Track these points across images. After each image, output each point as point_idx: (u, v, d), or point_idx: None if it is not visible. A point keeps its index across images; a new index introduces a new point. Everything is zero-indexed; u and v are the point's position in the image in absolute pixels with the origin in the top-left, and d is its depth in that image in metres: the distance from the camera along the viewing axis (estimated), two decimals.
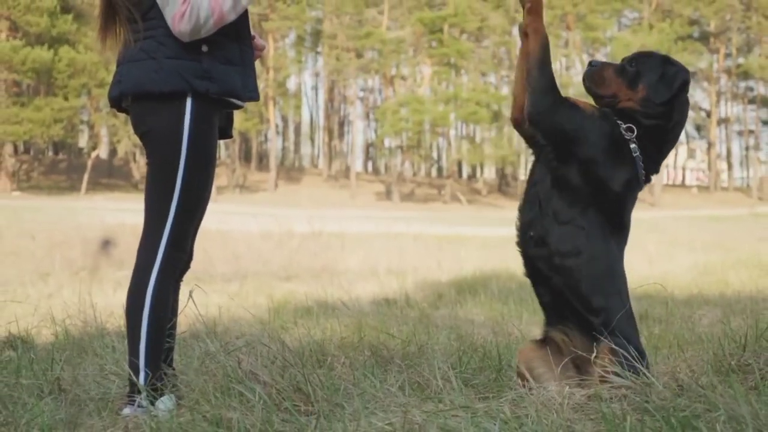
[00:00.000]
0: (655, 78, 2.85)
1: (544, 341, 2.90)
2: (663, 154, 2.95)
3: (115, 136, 50.34)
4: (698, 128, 61.97)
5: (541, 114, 2.81)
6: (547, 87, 2.83)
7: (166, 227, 2.85)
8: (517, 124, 2.93)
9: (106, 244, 13.70)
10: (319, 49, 62.60)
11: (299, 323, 5.57)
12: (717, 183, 61.45)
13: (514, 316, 6.35)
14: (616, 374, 2.58)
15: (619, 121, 2.87)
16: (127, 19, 2.90)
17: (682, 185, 66.32)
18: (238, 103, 2.96)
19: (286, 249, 14.67)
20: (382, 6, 56.26)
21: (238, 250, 14.27)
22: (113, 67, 3.02)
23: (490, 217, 36.08)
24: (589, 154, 2.80)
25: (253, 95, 2.97)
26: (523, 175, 56.31)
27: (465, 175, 65.69)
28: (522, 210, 2.88)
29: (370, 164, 69.48)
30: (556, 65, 61.38)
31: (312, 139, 73.23)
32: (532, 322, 5.62)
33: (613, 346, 2.64)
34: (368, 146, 67.66)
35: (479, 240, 19.53)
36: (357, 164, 60.18)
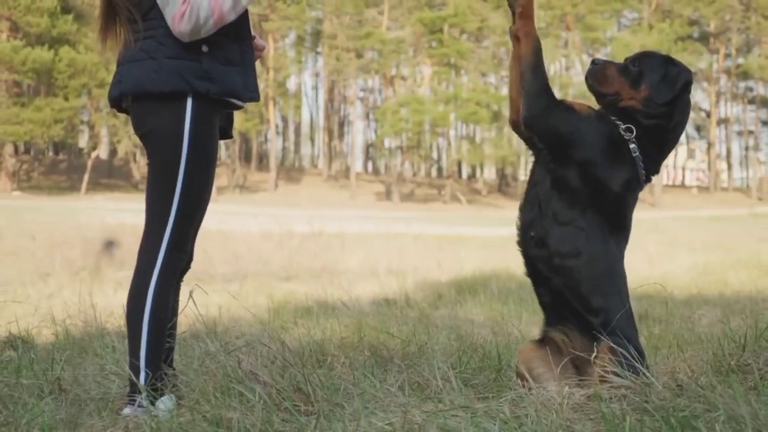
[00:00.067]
0: (658, 78, 2.85)
1: (544, 341, 2.90)
2: (663, 154, 2.95)
3: (115, 137, 50.34)
4: (698, 128, 61.97)
5: (536, 117, 2.81)
6: (541, 90, 2.83)
7: (167, 228, 2.85)
8: (516, 126, 2.93)
9: (110, 245, 13.69)
10: (319, 49, 62.60)
11: (299, 323, 5.57)
12: (717, 183, 61.45)
13: (513, 316, 6.35)
14: (616, 374, 2.58)
15: (618, 122, 2.87)
16: (128, 20, 2.90)
17: (682, 185, 66.33)
18: (239, 103, 2.96)
19: (286, 249, 14.67)
20: (382, 6, 56.26)
21: (239, 251, 14.27)
22: (113, 68, 3.02)
23: (490, 217, 36.09)
24: (586, 156, 2.80)
25: (254, 95, 2.98)
26: (523, 175, 56.31)
27: (465, 175, 65.69)
28: (522, 210, 2.89)
29: (370, 164, 69.49)
30: (556, 65, 61.42)
31: (312, 140, 73.24)
32: (531, 322, 5.62)
33: (613, 345, 2.65)
34: (368, 146, 67.67)
35: (479, 240, 19.53)
36: (357, 164, 60.24)
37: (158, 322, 2.83)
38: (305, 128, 72.60)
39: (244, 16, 2.93)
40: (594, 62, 2.99)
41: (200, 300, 3.24)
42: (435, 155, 65.53)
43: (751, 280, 9.82)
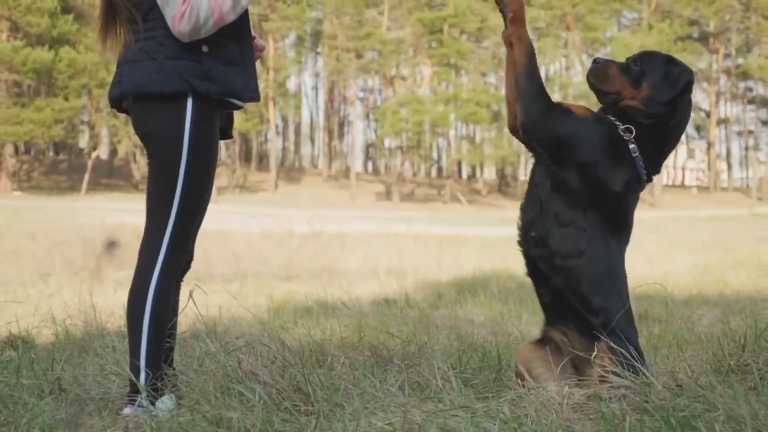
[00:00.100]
0: (659, 77, 2.85)
1: (543, 341, 2.90)
2: (664, 154, 2.95)
3: (115, 137, 50.37)
4: (698, 128, 61.98)
5: (534, 122, 2.82)
6: (537, 94, 2.84)
7: (168, 228, 2.85)
8: (514, 131, 2.93)
9: (112, 245, 13.68)
10: (319, 49, 62.62)
11: (299, 323, 5.57)
12: (716, 183, 61.46)
13: (513, 316, 6.35)
14: (615, 374, 2.58)
15: (617, 122, 2.87)
16: (128, 20, 2.90)
17: (682, 185, 66.33)
18: (239, 103, 2.97)
19: (286, 249, 14.66)
20: (382, 6, 56.27)
21: (239, 251, 14.27)
22: (113, 68, 3.02)
23: (490, 217, 36.09)
24: (586, 157, 2.81)
25: (254, 95, 2.98)
26: (523, 175, 56.33)
27: (465, 175, 65.70)
28: (523, 210, 2.89)
29: (370, 164, 69.50)
30: (556, 65, 61.44)
31: (312, 140, 73.25)
32: (531, 322, 5.62)
33: (612, 345, 2.65)
34: (368, 146, 67.68)
35: (479, 240, 19.53)
36: (357, 164, 60.25)
37: (159, 322, 2.83)
38: (305, 128, 72.64)
39: (244, 16, 2.94)
40: (596, 61, 2.99)
41: (200, 300, 3.24)
42: (435, 155, 65.54)
43: (750, 280, 9.82)
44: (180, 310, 3.06)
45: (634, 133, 2.85)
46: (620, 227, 2.86)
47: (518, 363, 2.88)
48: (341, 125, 66.41)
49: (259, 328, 4.46)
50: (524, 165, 55.18)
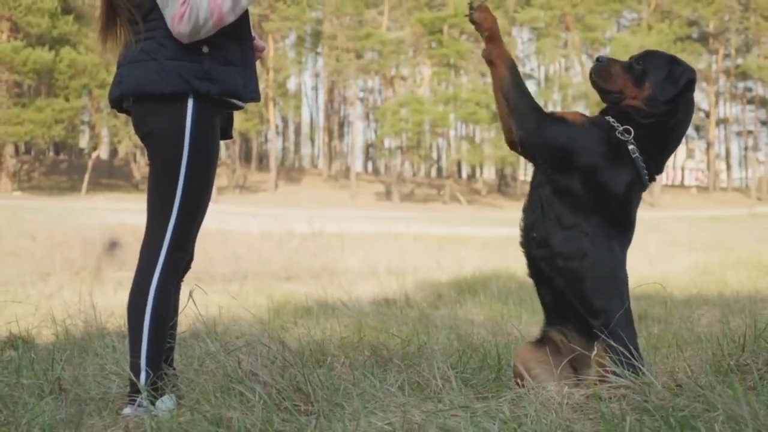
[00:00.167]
0: (662, 76, 2.86)
1: (542, 342, 2.91)
2: (666, 154, 2.95)
3: (115, 137, 50.38)
4: (697, 128, 61.98)
5: (531, 135, 2.83)
6: (529, 107, 2.85)
7: (169, 228, 2.85)
8: (513, 145, 2.93)
9: (113, 245, 13.66)
10: (319, 49, 62.63)
11: (299, 323, 5.57)
12: (716, 183, 61.47)
13: (513, 316, 6.35)
14: (615, 374, 2.59)
15: (615, 124, 2.87)
16: (128, 21, 2.91)
17: (681, 185, 66.35)
18: (239, 103, 2.97)
19: (286, 249, 14.66)
20: (382, 7, 56.28)
21: (239, 251, 14.26)
22: (114, 68, 3.03)
23: (489, 217, 36.09)
24: (586, 163, 2.81)
25: (254, 96, 2.98)
26: (522, 175, 56.34)
27: (465, 175, 65.72)
28: (525, 211, 2.89)
29: (370, 164, 69.51)
30: (556, 65, 61.45)
31: (312, 140, 73.27)
32: (531, 322, 5.63)
33: (612, 343, 2.66)
34: (368, 146, 67.69)
35: (479, 240, 19.53)
36: (357, 164, 60.27)
37: (159, 320, 2.84)
38: (305, 128, 72.65)
39: (244, 17, 2.94)
40: (598, 59, 2.99)
41: (200, 300, 3.25)
42: (435, 155, 65.55)
43: (750, 280, 9.82)
44: (180, 310, 3.07)
45: (633, 134, 2.85)
46: (623, 228, 2.87)
47: (517, 363, 2.89)
48: (341, 125, 66.43)
49: (259, 328, 4.46)
50: (524, 165, 55.11)
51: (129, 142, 47.95)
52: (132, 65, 2.87)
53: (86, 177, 48.37)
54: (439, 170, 66.36)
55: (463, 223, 29.72)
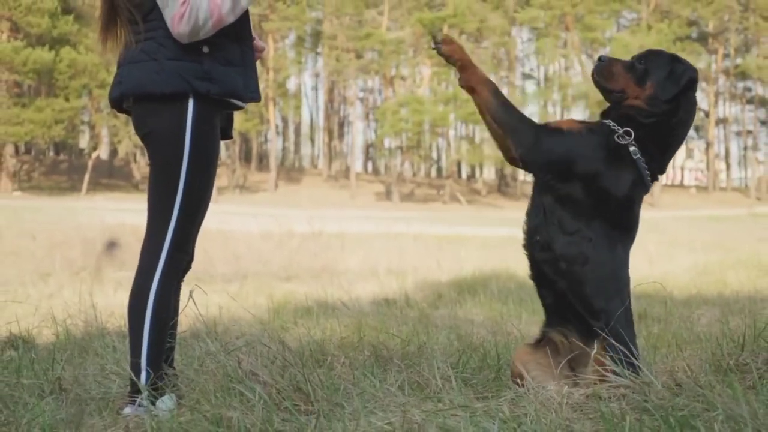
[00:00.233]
0: (663, 75, 2.86)
1: (540, 343, 2.92)
2: (669, 153, 2.95)
3: (115, 137, 50.38)
4: (697, 128, 61.96)
5: (530, 151, 2.83)
6: (523, 123, 2.86)
7: (169, 229, 2.86)
8: (513, 161, 2.93)
9: (112, 245, 13.66)
10: (319, 49, 62.63)
11: (299, 323, 5.57)
12: (715, 183, 61.47)
13: (513, 316, 6.35)
14: (615, 373, 2.59)
15: (615, 127, 2.87)
16: (128, 21, 2.91)
17: (681, 185, 66.35)
18: (239, 103, 2.97)
19: (286, 249, 14.66)
20: (381, 7, 56.27)
21: (239, 251, 14.26)
22: (114, 68, 3.03)
23: (489, 217, 36.10)
24: (586, 170, 2.81)
25: (255, 96, 2.98)
26: (522, 175, 56.26)
27: (464, 175, 65.72)
28: (528, 215, 2.90)
29: (370, 164, 69.51)
30: (555, 65, 61.44)
31: (312, 140, 73.26)
32: (531, 322, 5.63)
33: (612, 341, 2.66)
34: (368, 146, 67.68)
35: (479, 240, 19.53)
36: (357, 164, 60.28)
37: (160, 322, 2.84)
38: (305, 128, 72.66)
39: (244, 17, 2.94)
40: (600, 59, 3.00)
41: (200, 300, 3.25)
42: (435, 155, 65.56)
43: (750, 279, 9.82)
44: (180, 310, 3.07)
45: (633, 136, 2.86)
46: (626, 228, 2.87)
47: (516, 363, 2.89)
48: (341, 125, 66.42)
49: (259, 328, 4.46)
50: None
51: (129, 142, 47.96)
52: (132, 65, 2.87)
53: (86, 177, 48.37)
54: (439, 170, 66.36)
55: (463, 223, 29.72)
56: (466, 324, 5.79)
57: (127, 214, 18.05)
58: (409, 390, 2.82)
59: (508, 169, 59.06)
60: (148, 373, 2.79)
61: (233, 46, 2.91)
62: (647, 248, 14.05)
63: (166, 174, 2.86)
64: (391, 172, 56.07)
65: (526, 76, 66.31)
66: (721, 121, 64.14)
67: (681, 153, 66.58)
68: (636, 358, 2.69)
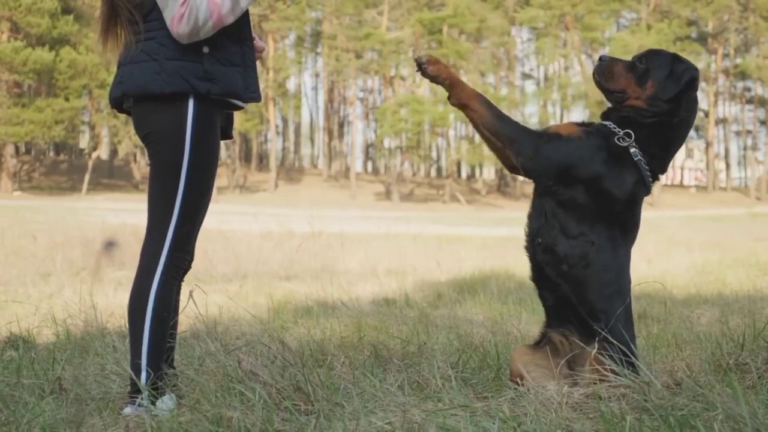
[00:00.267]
0: (664, 75, 2.86)
1: (540, 343, 2.92)
2: (670, 153, 2.95)
3: (115, 137, 50.39)
4: (696, 128, 61.97)
5: (532, 159, 2.84)
6: (520, 133, 2.86)
7: (170, 229, 2.86)
8: (515, 171, 2.93)
9: (110, 245, 13.66)
10: (319, 49, 62.65)
11: (299, 323, 5.57)
12: (715, 183, 61.48)
13: (513, 316, 6.35)
14: (615, 373, 2.59)
15: (615, 129, 2.87)
16: (129, 21, 2.91)
17: (681, 185, 66.35)
18: (240, 103, 2.97)
19: (286, 249, 14.64)
20: (381, 7, 56.27)
21: (239, 250, 14.25)
22: (114, 69, 3.03)
23: (489, 217, 36.09)
24: (587, 174, 2.81)
25: (255, 96, 2.99)
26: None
27: (464, 175, 65.72)
28: (530, 217, 2.91)
29: (369, 164, 69.52)
30: (555, 65, 61.42)
31: (312, 140, 73.27)
32: (531, 321, 5.63)
33: (611, 340, 2.67)
34: (368, 146, 67.69)
35: (479, 240, 19.53)
36: (357, 164, 60.27)
37: (160, 321, 2.84)
38: (305, 128, 72.67)
39: (244, 17, 2.94)
40: (601, 59, 3.00)
41: (200, 300, 3.25)
42: (434, 155, 65.57)
43: (749, 279, 9.82)
44: (180, 310, 3.07)
45: (634, 137, 2.86)
46: (628, 229, 2.88)
47: (516, 363, 2.89)
48: (341, 125, 66.42)
49: (259, 328, 4.46)
50: None
51: (129, 142, 47.96)
52: (132, 65, 2.87)
53: (86, 177, 48.37)
54: (439, 170, 66.35)
55: (463, 223, 29.72)
56: (465, 324, 5.79)
57: (127, 214, 18.06)
58: (409, 390, 2.82)
59: None
60: (148, 373, 2.79)
61: (233, 46, 2.91)
62: (646, 248, 14.04)
63: (167, 174, 2.87)
64: (390, 172, 56.07)
65: (526, 76, 66.34)
66: (721, 121, 64.16)
67: (681, 153, 66.59)
68: (636, 358, 2.69)
